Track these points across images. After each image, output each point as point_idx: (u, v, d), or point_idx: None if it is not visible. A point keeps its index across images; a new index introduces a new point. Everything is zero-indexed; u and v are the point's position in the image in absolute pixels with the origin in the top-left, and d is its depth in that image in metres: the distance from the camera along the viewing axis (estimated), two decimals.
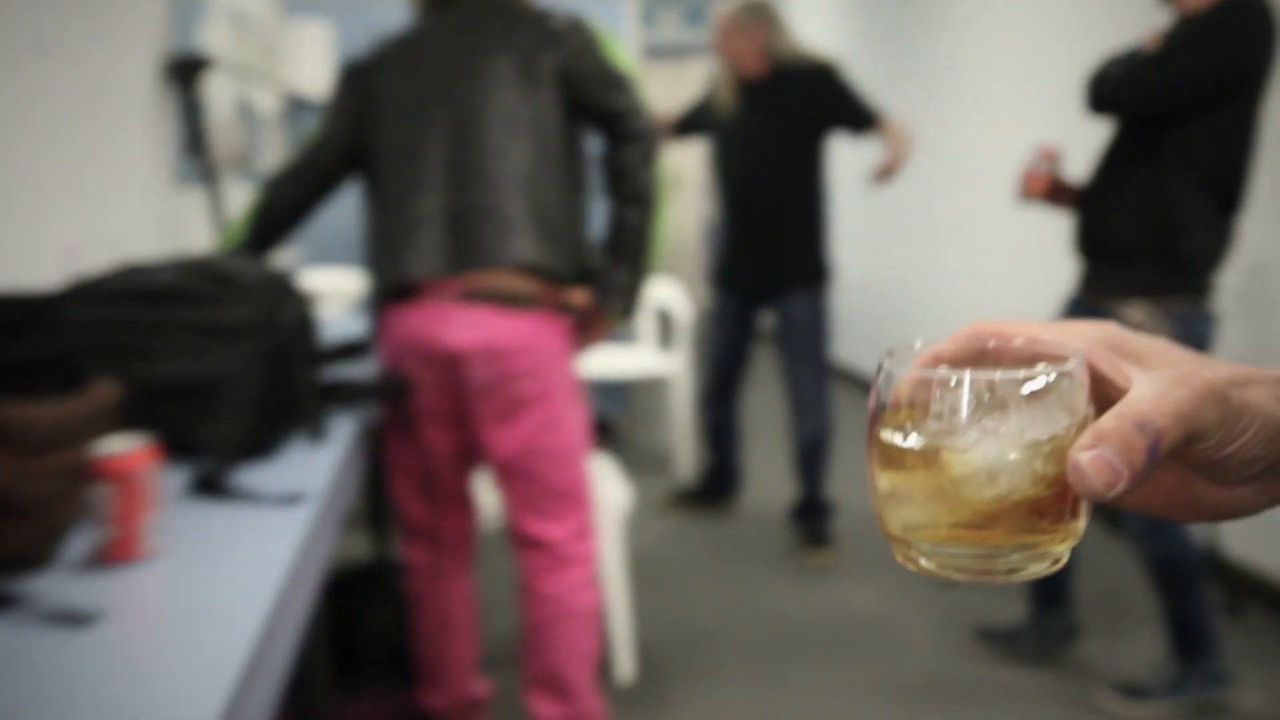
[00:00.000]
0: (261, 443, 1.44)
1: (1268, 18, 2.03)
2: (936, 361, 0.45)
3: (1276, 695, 2.52)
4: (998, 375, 0.41)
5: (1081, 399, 0.42)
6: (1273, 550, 3.05)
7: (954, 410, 0.41)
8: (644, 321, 4.73)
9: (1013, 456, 0.41)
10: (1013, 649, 2.66)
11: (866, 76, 6.14)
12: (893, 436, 0.43)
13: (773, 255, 3.43)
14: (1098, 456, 0.40)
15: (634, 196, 1.91)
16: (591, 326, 2.02)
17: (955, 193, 4.94)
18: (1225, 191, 2.13)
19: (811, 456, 3.52)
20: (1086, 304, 2.33)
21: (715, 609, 3.11)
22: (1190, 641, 2.32)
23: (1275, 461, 0.42)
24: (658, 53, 8.64)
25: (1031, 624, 2.63)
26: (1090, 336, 0.45)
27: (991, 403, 0.41)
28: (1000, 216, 4.57)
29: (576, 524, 2.02)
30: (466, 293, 1.86)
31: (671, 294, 4.59)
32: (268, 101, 4.17)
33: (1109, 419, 0.40)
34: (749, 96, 3.42)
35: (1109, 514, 2.30)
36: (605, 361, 4.38)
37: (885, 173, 3.40)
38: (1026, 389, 0.41)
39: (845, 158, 6.59)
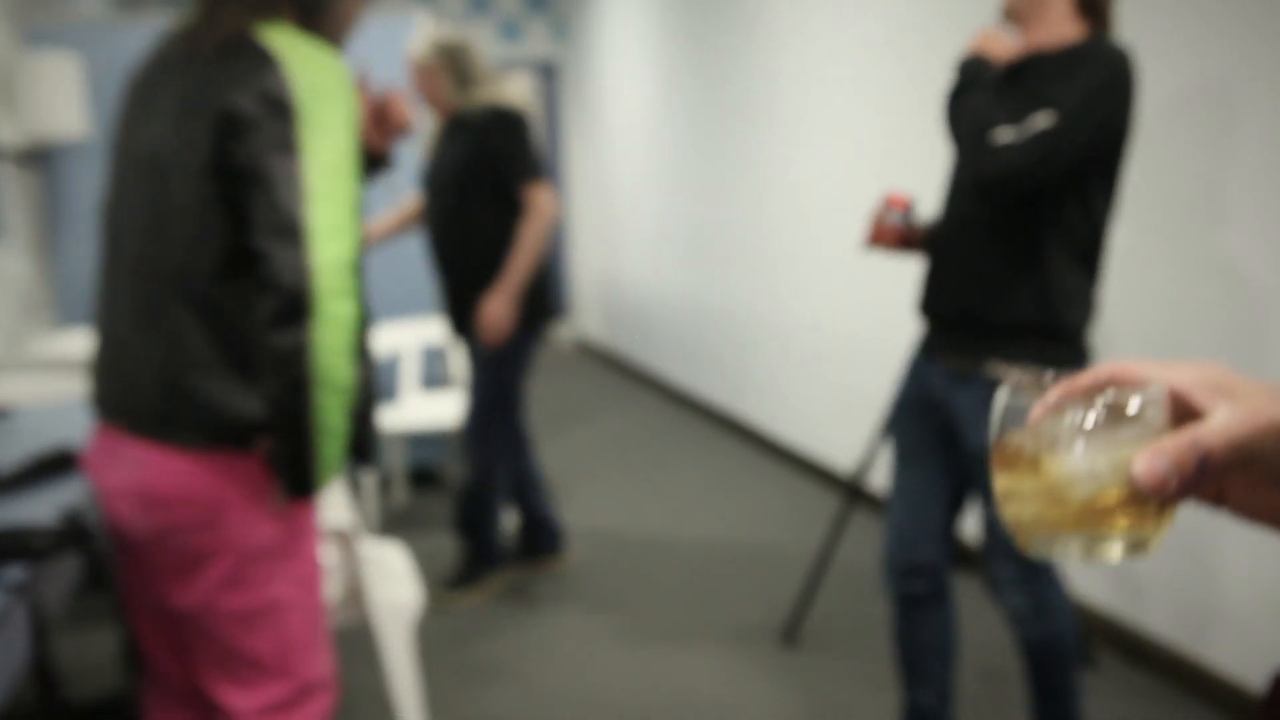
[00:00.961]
0: None
1: (1133, 66, 1.87)
2: (1068, 392, 0.55)
3: None
4: (1092, 402, 0.54)
5: (1160, 422, 0.52)
6: (1121, 593, 2.97)
7: (1055, 428, 0.54)
8: (454, 363, 4.42)
9: (1098, 466, 0.52)
10: None
11: (681, 87, 6.03)
12: (1008, 449, 0.56)
13: (462, 294, 3.28)
14: (1151, 464, 0.49)
15: (270, 365, 1.45)
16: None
17: (779, 209, 4.80)
18: (1092, 257, 1.96)
19: (465, 505, 3.40)
20: (949, 370, 2.06)
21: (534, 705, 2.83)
22: None
23: None
24: None
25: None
26: (1196, 376, 0.53)
27: (1087, 423, 0.53)
28: (826, 235, 4.44)
29: (271, 697, 1.63)
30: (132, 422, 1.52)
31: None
32: (6, 138, 3.68)
33: (1175, 436, 0.50)
34: (442, 134, 3.31)
35: (992, 588, 2.10)
36: (414, 411, 4.09)
37: (514, 266, 3.16)
38: (1108, 413, 0.53)
39: (649, 168, 6.51)
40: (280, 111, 1.42)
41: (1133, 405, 0.53)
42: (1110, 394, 0.53)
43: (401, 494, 4.42)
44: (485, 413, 3.33)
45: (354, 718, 2.67)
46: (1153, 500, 0.52)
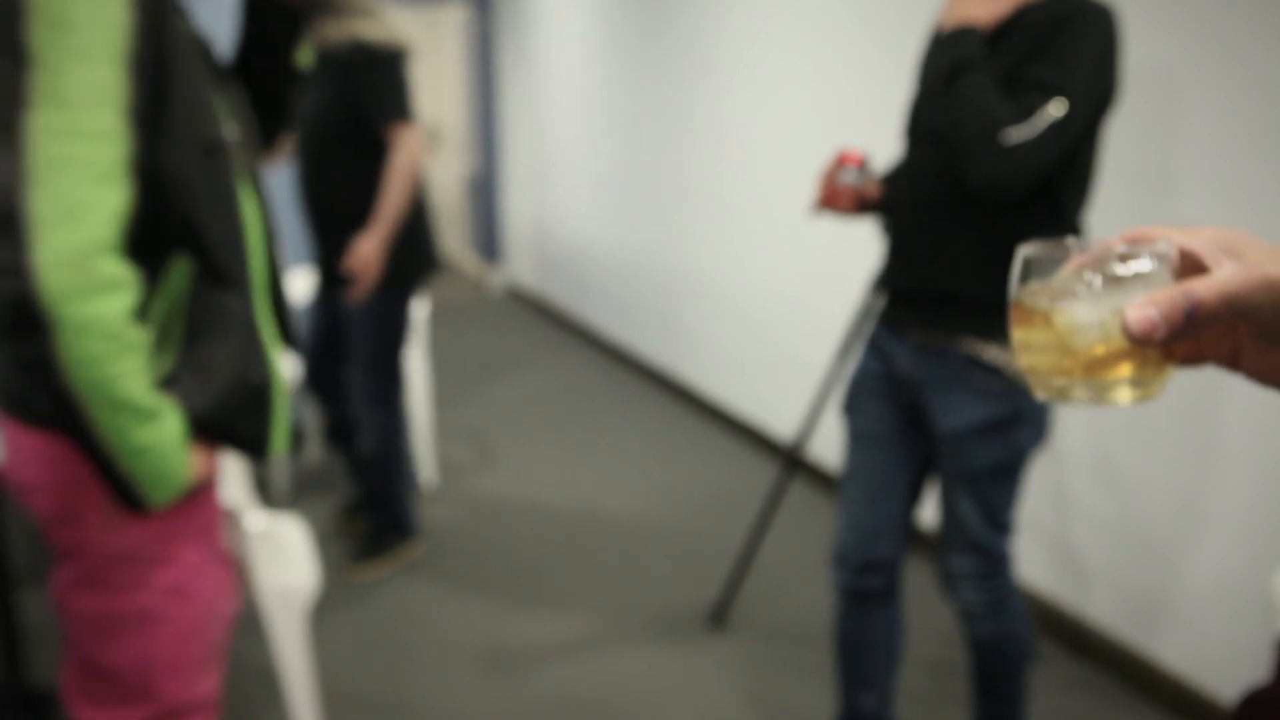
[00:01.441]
0: None
1: (1119, 24, 1.67)
2: (1090, 256, 0.58)
3: None
4: (1097, 258, 0.57)
5: (1166, 279, 0.55)
6: (1066, 581, 2.84)
7: (1068, 283, 0.57)
8: None
9: (1102, 316, 0.55)
10: None
11: (619, 22, 5.74)
12: (1024, 303, 0.59)
13: (332, 246, 3.05)
14: (1142, 312, 0.52)
15: (30, 381, 1.24)
16: None
17: (722, 158, 4.57)
18: (1073, 228, 1.77)
19: (370, 474, 3.21)
20: (917, 345, 1.87)
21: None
22: None
23: None
24: None
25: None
26: (1209, 237, 0.56)
27: (1093, 279, 0.56)
28: (771, 187, 4.22)
29: None
30: None
31: None
32: None
33: (1170, 288, 0.53)
34: (316, 69, 2.98)
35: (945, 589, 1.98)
36: None
37: (383, 209, 2.93)
38: (1118, 270, 0.56)
39: (587, 112, 6.22)
40: None
41: (1140, 263, 0.56)
42: (1121, 253, 0.56)
43: (316, 450, 4.15)
44: (374, 375, 3.10)
45: (241, 700, 2.44)
46: (1152, 349, 0.55)
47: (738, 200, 4.42)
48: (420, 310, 3.80)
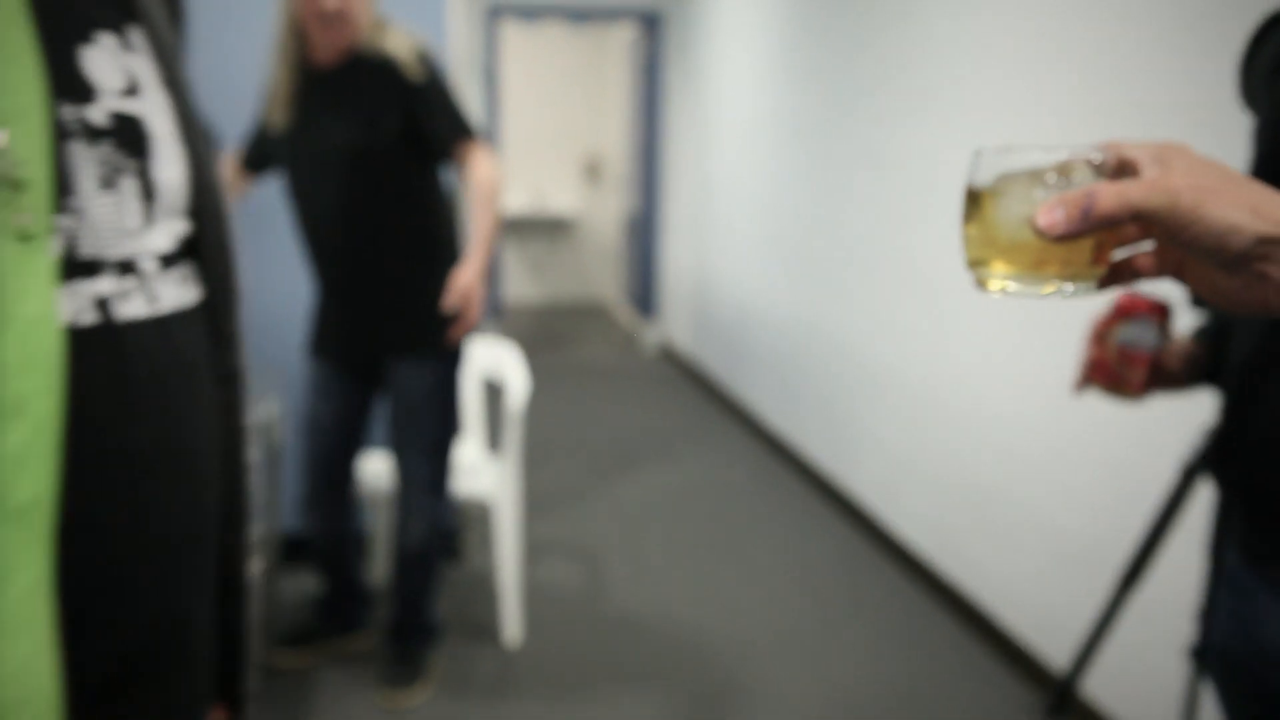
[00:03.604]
0: None
1: None
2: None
3: None
4: (1028, 162, 0.59)
5: (1089, 180, 0.58)
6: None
7: (1002, 179, 0.60)
8: (470, 406, 3.20)
9: (1024, 211, 0.59)
10: None
11: (806, 55, 4.66)
12: (968, 196, 0.62)
13: (368, 312, 2.51)
14: (1047, 209, 0.57)
15: None
16: None
17: (925, 225, 3.42)
18: None
19: (411, 569, 2.65)
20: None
21: None
22: None
23: (1236, 257, 0.55)
24: (509, 11, 7.04)
25: None
26: (1151, 149, 0.59)
27: (1030, 177, 0.59)
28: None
29: None
30: None
31: (505, 357, 3.05)
32: None
33: (1077, 190, 0.57)
34: (315, 92, 2.41)
35: None
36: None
37: (480, 236, 2.47)
38: (1050, 167, 0.59)
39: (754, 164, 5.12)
40: None
41: (1056, 162, 0.59)
42: (1054, 159, 0.59)
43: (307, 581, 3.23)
44: (430, 458, 2.59)
45: None
46: (1076, 246, 0.58)
47: (948, 280, 3.24)
48: (519, 390, 2.83)
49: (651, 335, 7.45)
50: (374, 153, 2.36)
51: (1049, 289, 0.59)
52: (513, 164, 8.98)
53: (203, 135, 0.90)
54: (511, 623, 2.91)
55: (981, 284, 0.62)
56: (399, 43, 2.34)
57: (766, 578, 3.44)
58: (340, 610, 2.79)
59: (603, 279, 9.46)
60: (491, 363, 3.09)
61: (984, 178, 0.61)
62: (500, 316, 7.37)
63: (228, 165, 2.74)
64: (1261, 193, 0.54)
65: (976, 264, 0.62)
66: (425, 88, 2.35)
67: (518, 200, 9.14)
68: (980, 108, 3.05)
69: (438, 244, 2.50)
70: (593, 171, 9.32)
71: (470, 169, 2.43)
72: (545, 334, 8.02)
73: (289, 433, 3.12)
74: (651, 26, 7.09)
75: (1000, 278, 0.61)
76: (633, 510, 4.04)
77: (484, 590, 3.22)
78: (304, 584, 3.14)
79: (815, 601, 3.27)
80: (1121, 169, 0.59)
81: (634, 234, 7.83)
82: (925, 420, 3.41)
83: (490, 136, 6.99)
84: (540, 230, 9.38)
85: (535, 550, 3.55)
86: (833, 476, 4.18)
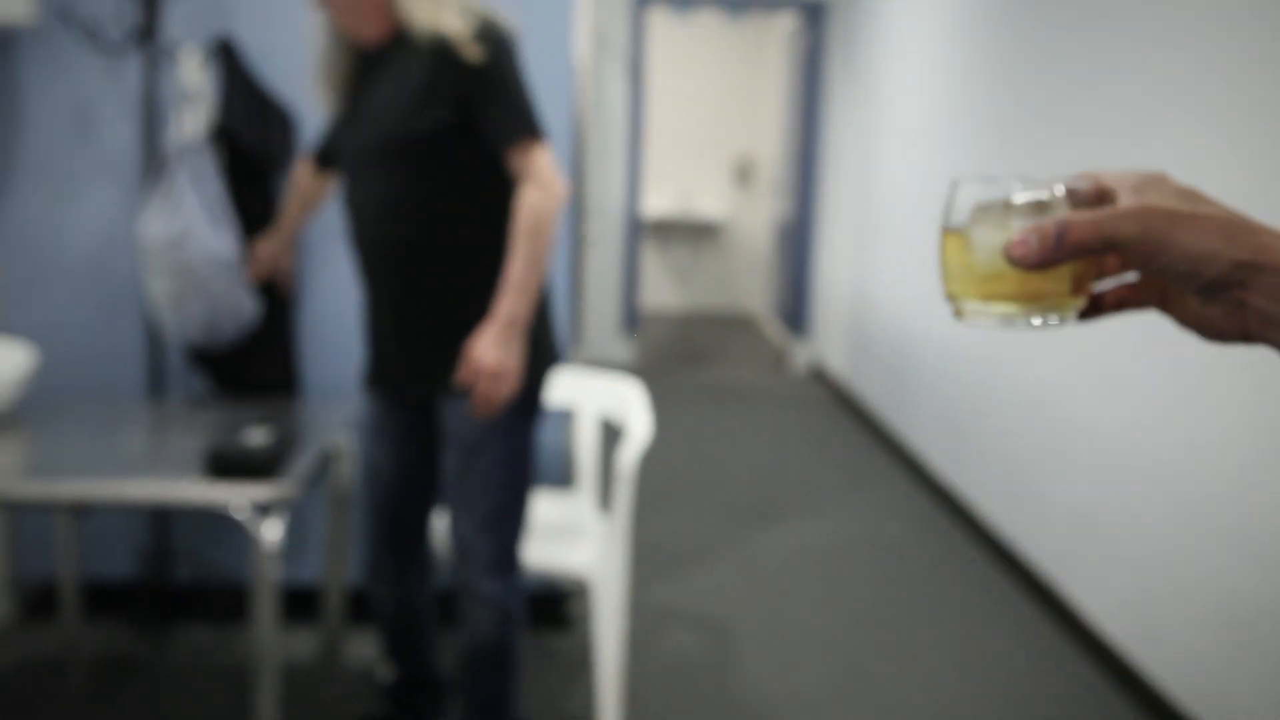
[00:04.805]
0: None
1: None
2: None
3: None
4: (1006, 193, 0.59)
5: (1062, 210, 0.58)
6: None
7: (979, 210, 0.59)
8: (583, 450, 2.70)
9: (996, 242, 0.57)
10: None
11: (991, 53, 3.98)
12: (945, 228, 0.61)
13: (413, 338, 2.03)
14: (1020, 238, 0.55)
15: None
16: None
17: None
18: None
19: (481, 670, 2.11)
20: None
21: None
22: None
23: (1213, 284, 0.54)
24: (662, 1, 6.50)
25: None
26: (1130, 176, 0.59)
27: (1006, 208, 0.58)
28: None
29: None
30: None
31: (628, 394, 2.54)
32: None
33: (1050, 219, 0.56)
34: (364, 75, 2.01)
35: None
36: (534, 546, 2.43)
37: (518, 278, 1.92)
38: (1027, 198, 0.58)
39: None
40: None
41: (1038, 193, 0.58)
42: (1031, 190, 0.58)
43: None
44: (495, 533, 2.05)
45: None
46: (1054, 276, 0.57)
47: (1154, 323, 2.56)
48: (634, 446, 2.30)
49: (801, 354, 6.84)
50: (420, 147, 1.90)
51: (1026, 320, 0.59)
52: (658, 163, 8.50)
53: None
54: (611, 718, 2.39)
55: (959, 315, 0.62)
56: (453, 16, 1.87)
57: (930, 665, 2.83)
58: (410, 703, 2.32)
59: (750, 289, 8.89)
60: (612, 399, 2.57)
61: (960, 209, 0.60)
62: (635, 326, 6.87)
63: (303, 170, 2.33)
64: (1238, 220, 0.54)
65: (954, 296, 0.61)
66: (482, 71, 1.87)
67: (662, 202, 8.65)
68: (1203, 120, 2.36)
69: (501, 262, 1.98)
70: (743, 174, 8.75)
71: (521, 182, 1.92)
72: (683, 346, 7.50)
73: (358, 472, 2.69)
74: (814, 18, 6.48)
75: (977, 310, 0.60)
76: (770, 571, 3.47)
77: (589, 670, 2.71)
78: (371, 649, 2.70)
79: (989, 699, 2.64)
80: (1100, 198, 0.60)
81: (786, 242, 7.23)
82: (1119, 484, 2.73)
83: (634, 133, 6.51)
84: (685, 234, 8.87)
85: (650, 620, 3.02)
86: (1010, 540, 3.51)
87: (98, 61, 2.54)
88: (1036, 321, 0.59)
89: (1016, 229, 0.56)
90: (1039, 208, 0.57)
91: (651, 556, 3.45)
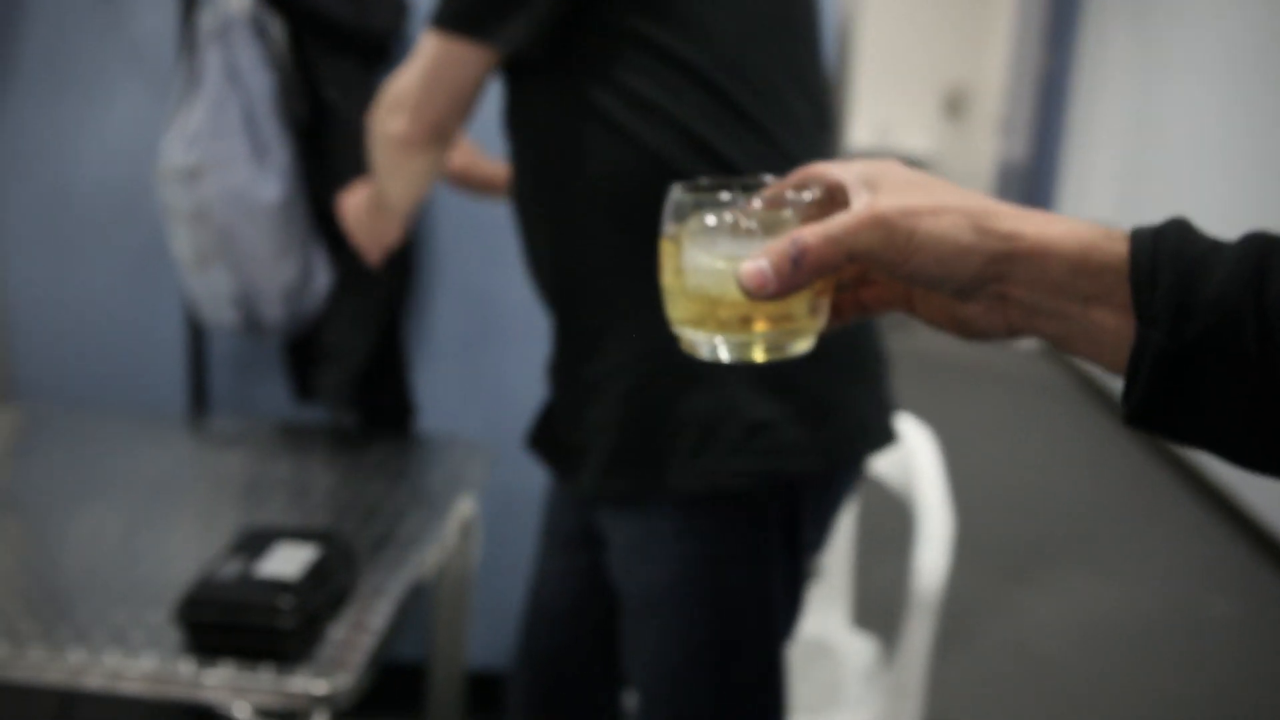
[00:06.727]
0: None
1: None
2: (770, 194, 0.53)
3: None
4: (726, 198, 0.52)
5: (793, 223, 0.50)
6: None
7: (697, 225, 0.51)
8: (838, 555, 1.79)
9: (719, 266, 0.50)
10: None
11: None
12: (664, 245, 0.53)
13: (557, 397, 1.14)
14: (753, 265, 0.48)
15: None
16: None
17: None
18: None
19: None
20: None
21: None
22: None
23: (969, 282, 0.48)
24: None
25: None
26: (858, 171, 0.51)
27: (725, 224, 0.51)
28: None
29: None
30: None
31: (918, 459, 1.60)
32: None
33: (783, 238, 0.49)
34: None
35: None
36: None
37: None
38: (747, 209, 0.51)
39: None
40: None
41: (752, 210, 0.52)
42: (751, 200, 0.52)
43: None
44: (683, 695, 1.08)
45: None
46: (790, 298, 0.50)
47: None
48: (934, 554, 1.39)
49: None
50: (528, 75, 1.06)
51: (765, 350, 0.52)
52: (859, 94, 7.40)
53: None
54: None
55: (691, 349, 0.53)
56: None
57: None
58: None
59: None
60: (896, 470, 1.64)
61: (675, 223, 0.52)
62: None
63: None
64: (980, 204, 0.48)
65: (679, 323, 0.53)
66: None
67: (858, 136, 7.56)
68: None
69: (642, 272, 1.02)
70: (954, 106, 7.57)
71: None
72: None
73: (485, 541, 1.86)
74: None
75: (707, 341, 0.52)
76: (1042, 648, 2.52)
77: None
78: None
79: None
80: (832, 198, 0.52)
81: (1012, 187, 6.10)
82: None
83: (831, 62, 5.46)
84: None
85: None
86: None
87: None
88: (778, 349, 0.51)
89: (744, 247, 0.49)
90: (763, 222, 0.50)
91: (879, 619, 2.54)
